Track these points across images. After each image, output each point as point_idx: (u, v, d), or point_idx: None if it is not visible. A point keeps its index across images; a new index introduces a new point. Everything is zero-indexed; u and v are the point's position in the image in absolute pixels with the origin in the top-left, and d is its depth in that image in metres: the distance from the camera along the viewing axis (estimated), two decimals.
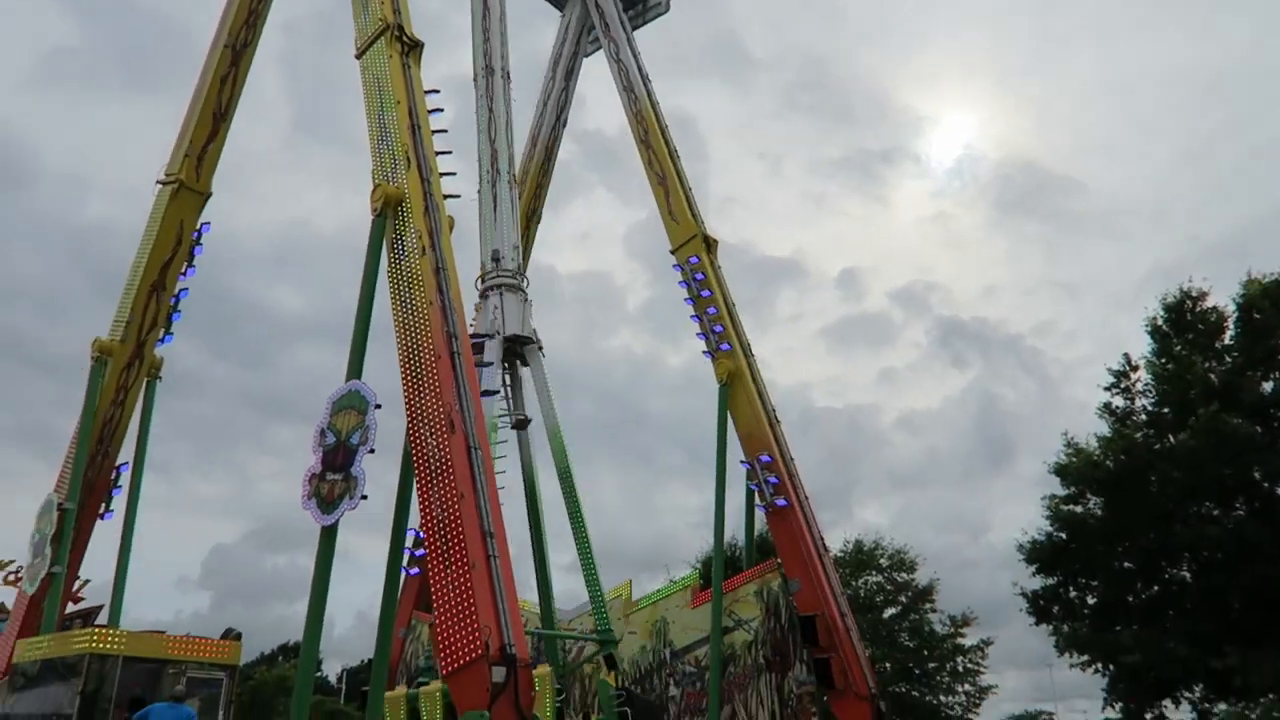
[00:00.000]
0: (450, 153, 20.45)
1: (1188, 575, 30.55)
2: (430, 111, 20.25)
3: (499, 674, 12.93)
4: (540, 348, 24.61)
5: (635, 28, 31.60)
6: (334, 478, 15.40)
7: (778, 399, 25.21)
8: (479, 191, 25.58)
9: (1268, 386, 29.62)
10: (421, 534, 15.43)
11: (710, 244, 26.29)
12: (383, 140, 19.18)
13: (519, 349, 24.35)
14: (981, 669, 41.48)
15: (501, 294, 24.30)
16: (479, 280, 25.08)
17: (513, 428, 24.49)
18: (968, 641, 41.38)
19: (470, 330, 21.16)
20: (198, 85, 24.74)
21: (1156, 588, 31.16)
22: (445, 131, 20.48)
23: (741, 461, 23.81)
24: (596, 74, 33.13)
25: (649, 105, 28.13)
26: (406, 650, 25.47)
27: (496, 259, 24.48)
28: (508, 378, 24.96)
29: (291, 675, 45.85)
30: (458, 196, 20.23)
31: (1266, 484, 29.36)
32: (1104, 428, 32.72)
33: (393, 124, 19.12)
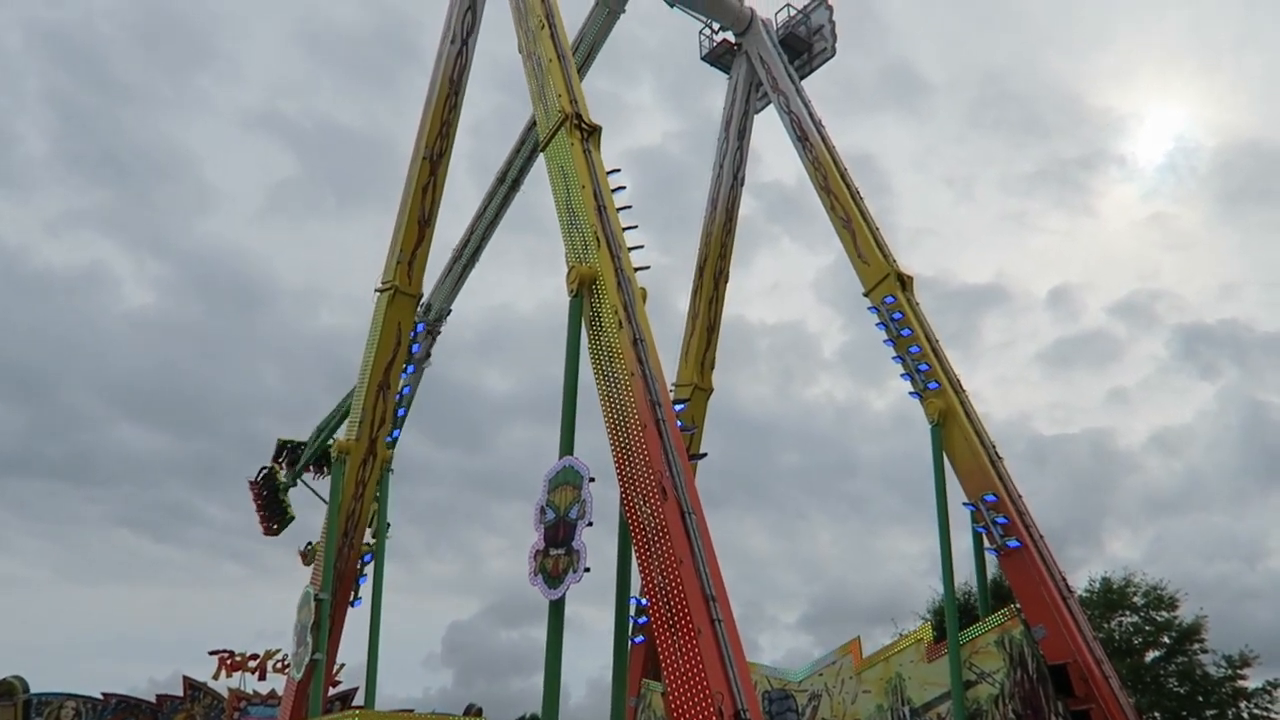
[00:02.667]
0: (636, 227, 21.10)
1: None
2: (613, 190, 21.04)
3: None
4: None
5: (803, 76, 31.64)
6: (557, 552, 15.90)
7: (997, 432, 23.92)
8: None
9: None
10: (645, 601, 15.59)
11: (905, 281, 25.57)
12: (572, 224, 20.05)
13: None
14: (1271, 715, 36.94)
15: None
16: None
17: None
18: (1251, 684, 37.05)
19: None
20: (403, 197, 26.86)
21: None
22: (629, 207, 21.20)
23: (965, 504, 22.66)
24: (769, 128, 33.35)
25: (825, 151, 27.96)
26: (639, 718, 25.65)
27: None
28: None
29: None
30: (647, 268, 20.79)
31: None
32: None
33: (580, 207, 19.97)
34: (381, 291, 25.98)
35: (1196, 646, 37.85)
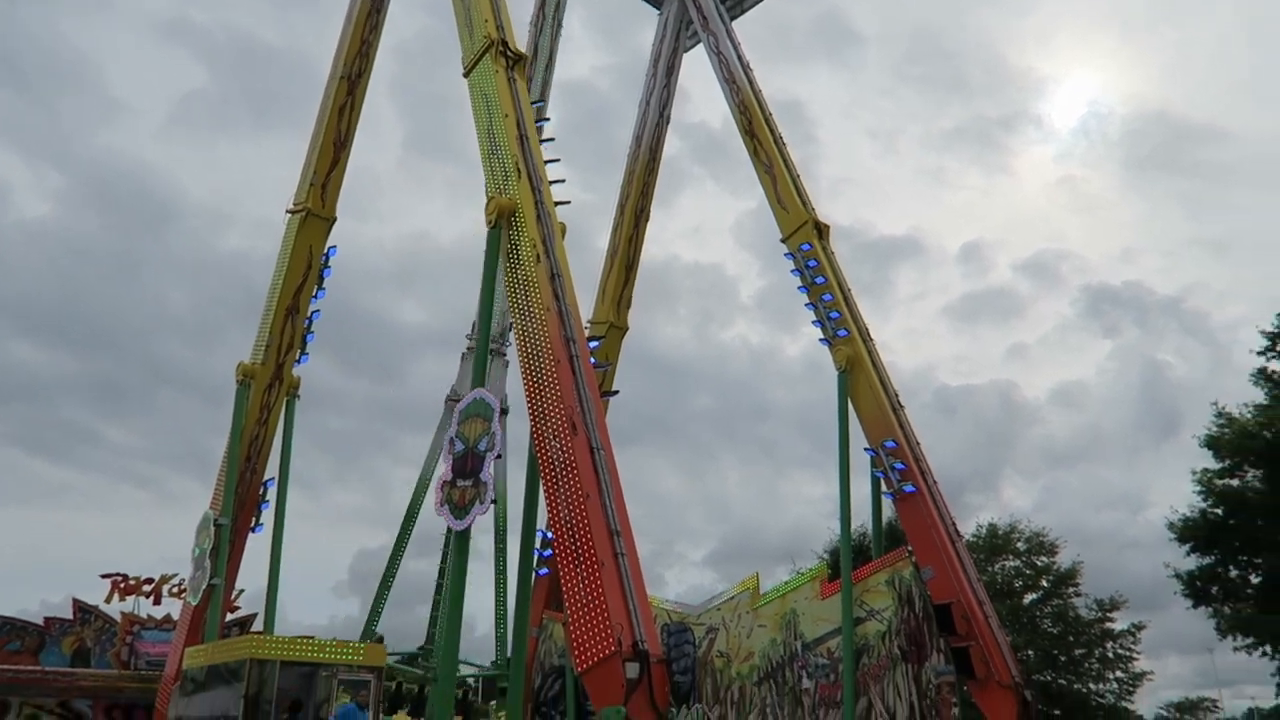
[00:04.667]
0: (558, 160, 20.87)
1: None
2: (536, 121, 20.71)
3: (633, 670, 13.13)
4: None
5: (734, 17, 31.39)
6: (464, 484, 15.95)
7: (903, 382, 24.72)
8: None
9: None
10: (550, 534, 15.79)
11: (822, 230, 25.91)
12: (493, 153, 19.72)
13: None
14: (1134, 655, 39.58)
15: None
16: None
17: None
18: (1118, 626, 39.56)
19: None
20: (318, 117, 25.95)
21: None
22: (552, 139, 20.93)
23: (866, 449, 23.40)
24: (698, 68, 33.11)
25: (751, 95, 27.93)
26: (540, 649, 26.08)
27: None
28: None
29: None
30: (568, 203, 20.61)
31: None
32: (1260, 395, 30.74)
33: (502, 136, 19.64)
34: (293, 213, 25.21)
35: (1071, 590, 40.10)
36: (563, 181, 20.76)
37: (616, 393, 24.39)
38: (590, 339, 22.18)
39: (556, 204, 19.46)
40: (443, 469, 16.44)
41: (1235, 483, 30.08)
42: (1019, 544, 41.61)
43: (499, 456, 15.77)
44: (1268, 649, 29.27)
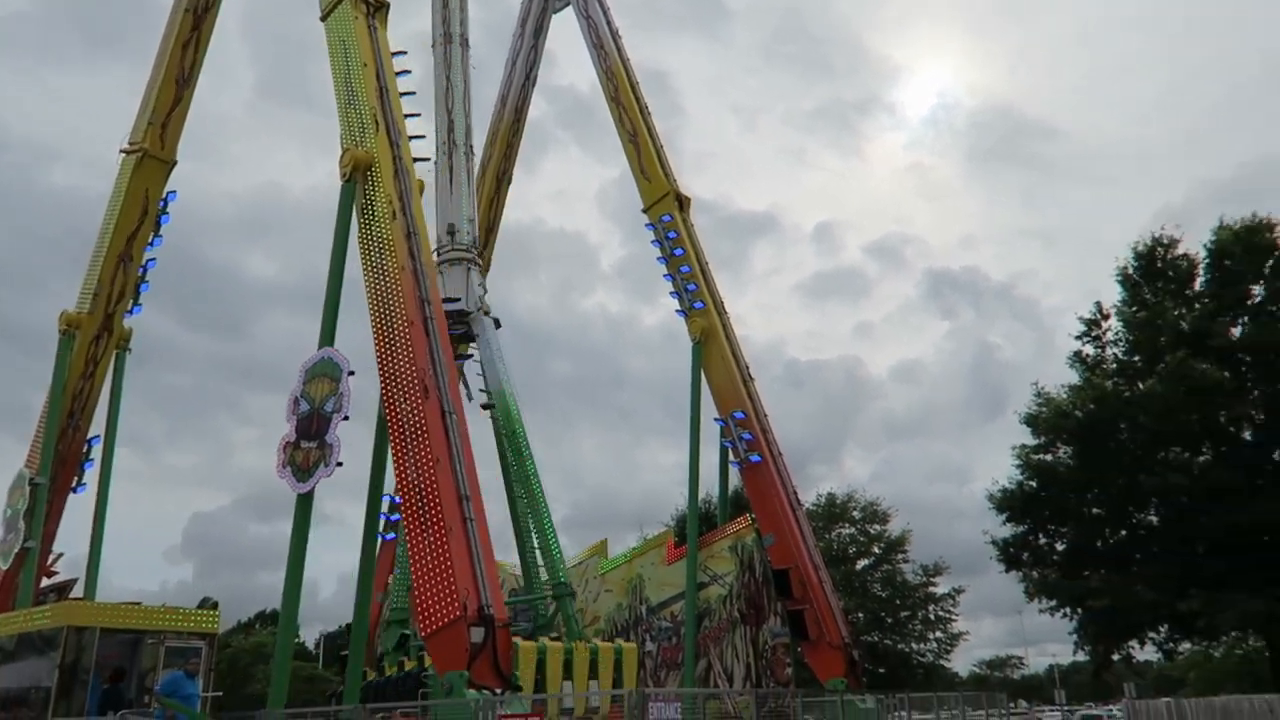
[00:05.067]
0: (419, 115, 20.30)
1: (1155, 520, 31.25)
2: (398, 73, 20.02)
3: (477, 635, 13.13)
4: (496, 321, 23.88)
5: None
6: (309, 445, 15.44)
7: (755, 355, 25.56)
8: (435, 163, 25.28)
9: (1236, 332, 30.08)
10: (398, 499, 15.49)
11: (683, 202, 26.24)
12: (350, 104, 18.96)
13: (470, 326, 23.32)
14: (953, 616, 42.37)
15: (450, 268, 23.13)
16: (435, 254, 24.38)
17: (484, 407, 23.19)
18: (940, 590, 42.23)
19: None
20: (159, 51, 24.26)
21: (1124, 533, 31.86)
22: (413, 94, 20.28)
23: (715, 419, 24.01)
24: (567, 31, 32.67)
25: (619, 61, 27.86)
26: (384, 614, 25.68)
27: (451, 233, 23.91)
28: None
29: (270, 642, 46.08)
30: (428, 160, 20.10)
31: (1233, 429, 30.00)
32: (1075, 377, 33.20)
33: (360, 86, 18.90)
34: (128, 153, 23.54)
35: (900, 556, 42.50)
36: (423, 138, 20.20)
37: (471, 357, 24.06)
38: (447, 301, 21.77)
39: (415, 160, 18.94)
40: (286, 429, 15.87)
41: (1049, 458, 32.43)
42: (855, 513, 43.70)
43: (346, 418, 15.33)
44: (1068, 611, 31.86)
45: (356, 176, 17.99)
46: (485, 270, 30.02)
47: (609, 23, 28.54)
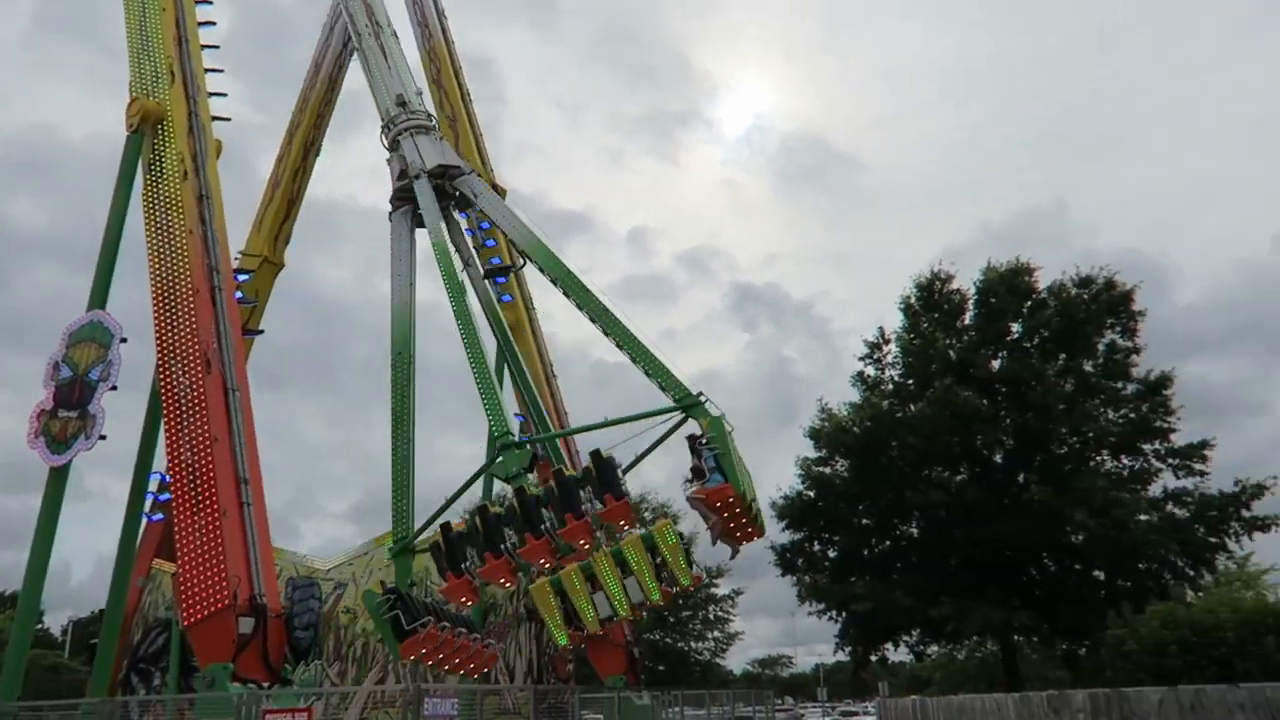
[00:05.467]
0: (222, 71, 19.08)
1: (916, 533, 33.84)
2: (202, 24, 18.73)
3: (247, 625, 12.46)
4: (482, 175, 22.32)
5: None
6: (67, 415, 14.18)
7: (562, 352, 25.59)
8: (358, 50, 24.04)
9: (996, 364, 33.10)
10: (167, 478, 14.46)
11: (499, 193, 25.93)
12: (144, 50, 17.56)
13: (451, 186, 21.17)
14: (731, 617, 44.21)
15: (414, 136, 21.57)
16: (383, 134, 22.65)
17: (486, 276, 20.86)
18: (721, 591, 43.95)
19: (396, 181, 18.83)
20: None
21: (889, 544, 34.32)
22: (218, 48, 19.04)
23: (515, 414, 23.88)
24: (393, 4, 31.57)
25: (443, 43, 27.26)
26: (144, 601, 23.88)
27: (403, 103, 22.49)
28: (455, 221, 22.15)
29: (7, 628, 41.76)
30: (228, 119, 18.92)
31: (986, 452, 32.93)
32: (857, 395, 35.45)
33: (155, 32, 17.54)
34: None
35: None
36: (224, 95, 19.01)
37: (261, 332, 22.91)
38: (238, 271, 20.59)
39: (215, 119, 17.80)
40: (42, 396, 14.48)
41: (828, 470, 34.48)
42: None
43: (114, 388, 14.17)
44: (834, 614, 33.99)
45: (145, 129, 16.70)
46: (285, 242, 28.62)
47: (435, 3, 27.89)
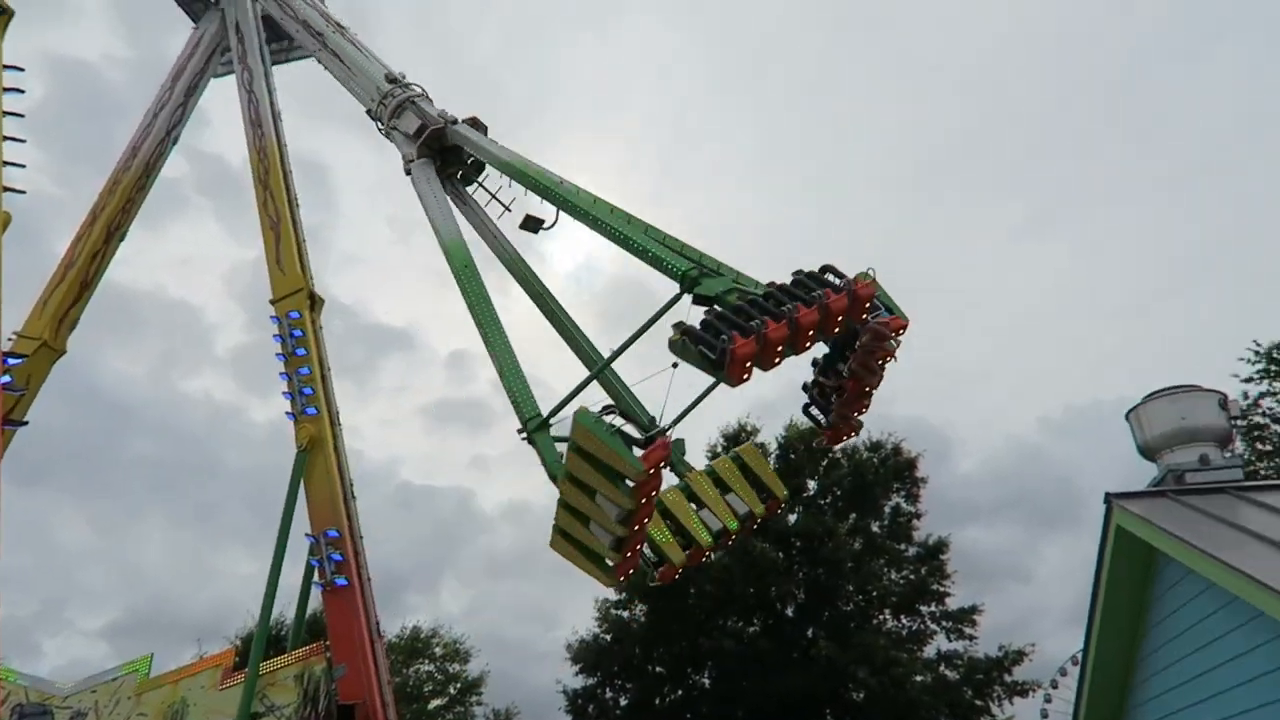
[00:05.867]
0: (24, 141, 17.83)
1: (707, 683, 33.81)
2: (8, 89, 17.51)
3: None
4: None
5: (278, 62, 30.06)
6: None
7: (368, 471, 24.56)
8: (320, 52, 23.69)
9: (792, 519, 34.33)
10: None
11: (315, 301, 25.15)
12: None
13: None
14: None
15: (420, 103, 20.87)
16: (380, 111, 21.64)
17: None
18: None
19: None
20: None
21: (680, 693, 34.05)
22: (21, 116, 17.80)
23: (307, 534, 22.51)
24: (224, 95, 30.80)
25: (275, 144, 26.68)
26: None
27: (395, 79, 21.66)
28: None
29: None
30: (22, 192, 17.59)
31: (779, 604, 33.71)
32: None
33: None
34: None
35: (474, 699, 41.97)
36: (23, 166, 17.71)
37: (25, 423, 20.76)
38: (9, 354, 18.75)
39: (6, 189, 16.46)
40: None
41: (626, 614, 34.26)
42: (437, 649, 42.65)
43: None
44: None
45: None
46: (70, 328, 26.46)
47: (273, 103, 27.44)
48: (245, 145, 27.29)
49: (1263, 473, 31.07)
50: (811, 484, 35.21)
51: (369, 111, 21.96)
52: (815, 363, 13.72)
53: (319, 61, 24.09)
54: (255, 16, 29.00)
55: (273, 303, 25.07)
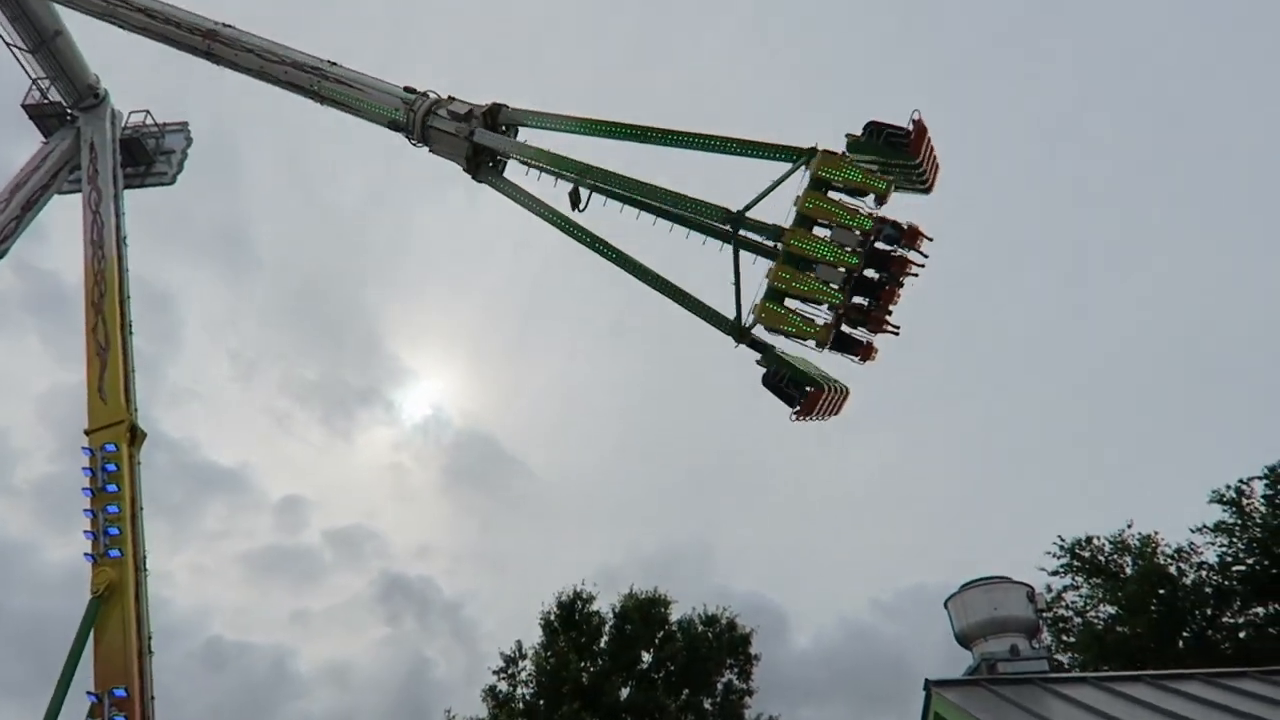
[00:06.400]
0: None
1: None
2: None
3: None
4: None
5: (131, 186, 29.23)
6: None
7: (175, 621, 22.56)
8: (320, 84, 23.14)
9: (625, 692, 33.39)
10: None
11: (137, 435, 23.63)
12: None
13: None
14: None
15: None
16: (406, 120, 21.44)
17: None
18: None
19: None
20: None
21: None
22: None
23: (90, 692, 20.27)
24: (66, 212, 29.46)
25: (115, 267, 25.60)
26: None
27: (412, 89, 21.81)
28: None
29: None
30: None
31: None
32: (484, 710, 33.96)
33: None
34: None
35: None
36: None
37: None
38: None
39: None
40: None
41: None
42: None
43: None
44: None
45: None
46: None
47: (119, 227, 26.53)
48: (82, 265, 26.12)
49: (1067, 664, 32.70)
50: (646, 656, 34.58)
51: (392, 124, 21.93)
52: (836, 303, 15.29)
53: (319, 97, 23.39)
54: (113, 139, 28.38)
55: (87, 433, 23.44)
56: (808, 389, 14.64)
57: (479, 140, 20.10)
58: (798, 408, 14.74)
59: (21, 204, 27.84)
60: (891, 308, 15.10)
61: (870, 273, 14.81)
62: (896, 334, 15.15)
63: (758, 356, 15.47)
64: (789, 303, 14.83)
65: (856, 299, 14.97)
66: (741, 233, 15.54)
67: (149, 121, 30.21)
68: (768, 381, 15.23)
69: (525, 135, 20.10)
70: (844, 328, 15.12)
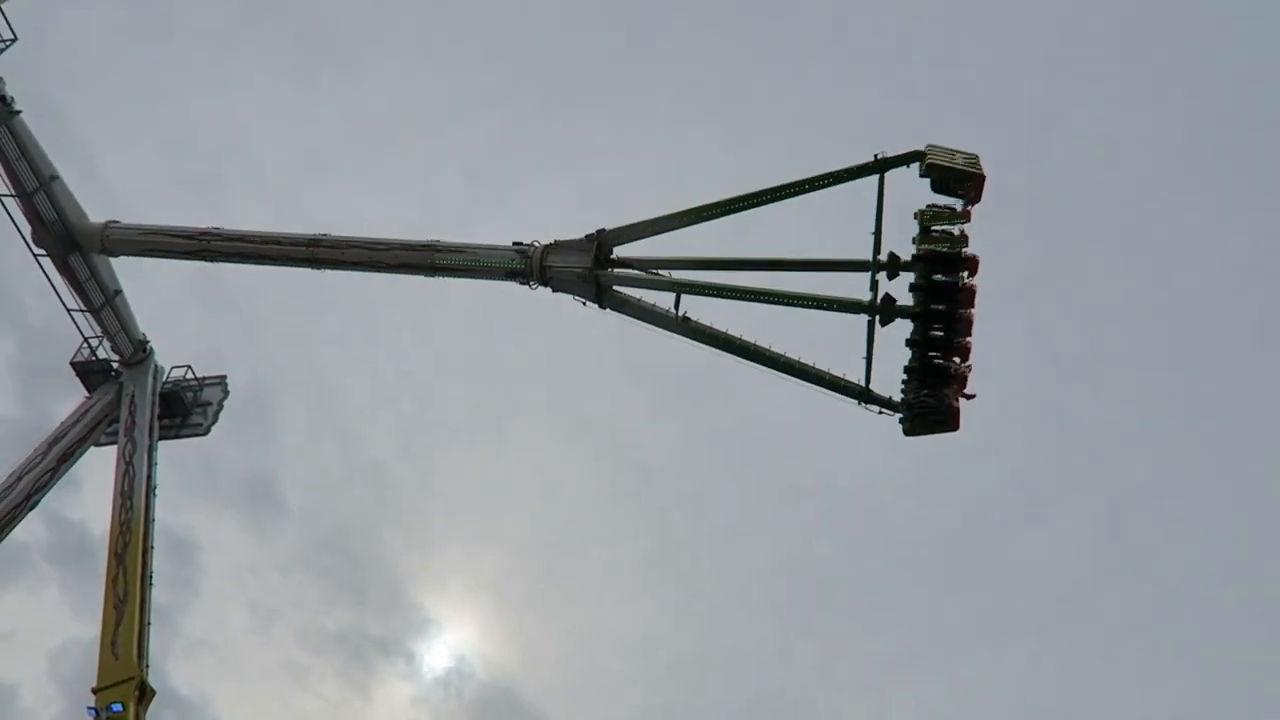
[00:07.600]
0: None
1: None
2: None
3: None
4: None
5: (166, 437, 29.80)
6: None
7: None
8: (435, 255, 24.76)
9: None
10: None
11: (146, 693, 22.75)
12: None
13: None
14: None
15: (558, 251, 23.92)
16: (524, 267, 24.14)
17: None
18: None
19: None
20: None
21: None
22: None
23: None
24: (100, 464, 29.80)
25: (142, 521, 25.67)
26: None
27: (523, 245, 24.06)
28: None
29: None
30: None
31: None
32: None
33: None
34: None
35: None
36: None
37: None
38: None
39: None
40: None
41: None
42: None
43: None
44: None
45: None
46: None
47: (149, 478, 26.82)
48: (110, 516, 26.17)
49: None
50: None
51: (510, 273, 24.01)
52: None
53: (433, 269, 24.91)
54: (153, 392, 29.25)
55: (95, 691, 22.62)
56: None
57: (604, 282, 22.84)
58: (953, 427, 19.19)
59: (58, 456, 28.33)
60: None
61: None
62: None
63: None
64: None
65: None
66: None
67: (189, 376, 31.18)
68: (914, 420, 19.42)
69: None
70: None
